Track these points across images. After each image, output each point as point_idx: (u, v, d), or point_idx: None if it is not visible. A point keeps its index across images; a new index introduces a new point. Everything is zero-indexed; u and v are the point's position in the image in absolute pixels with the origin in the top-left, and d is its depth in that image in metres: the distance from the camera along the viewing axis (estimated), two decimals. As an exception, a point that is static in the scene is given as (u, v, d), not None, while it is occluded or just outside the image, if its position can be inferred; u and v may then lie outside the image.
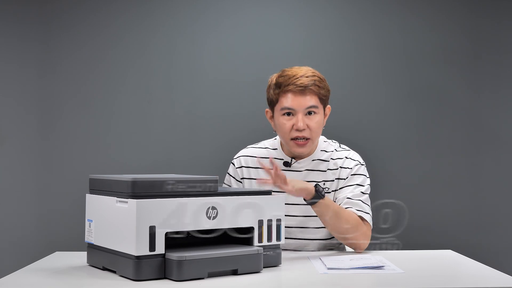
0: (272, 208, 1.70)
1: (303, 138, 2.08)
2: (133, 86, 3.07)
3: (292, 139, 2.09)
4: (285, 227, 2.12)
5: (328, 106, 2.18)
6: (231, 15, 3.09)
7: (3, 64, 3.05)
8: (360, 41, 3.09)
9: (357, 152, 2.23)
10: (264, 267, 1.66)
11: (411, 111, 3.10)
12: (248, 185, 2.20)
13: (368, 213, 2.07)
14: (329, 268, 1.67)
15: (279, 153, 2.20)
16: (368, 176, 2.17)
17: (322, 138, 2.23)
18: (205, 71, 3.07)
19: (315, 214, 2.15)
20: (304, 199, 1.94)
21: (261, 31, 3.08)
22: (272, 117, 2.18)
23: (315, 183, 1.98)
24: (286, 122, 2.09)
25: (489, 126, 3.11)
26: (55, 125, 3.05)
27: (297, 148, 2.10)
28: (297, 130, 2.07)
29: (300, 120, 2.06)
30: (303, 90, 2.06)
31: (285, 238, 2.13)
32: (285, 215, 2.11)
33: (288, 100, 2.08)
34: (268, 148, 2.23)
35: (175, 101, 3.06)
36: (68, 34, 3.06)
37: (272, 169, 1.84)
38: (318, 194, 1.92)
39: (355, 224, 1.99)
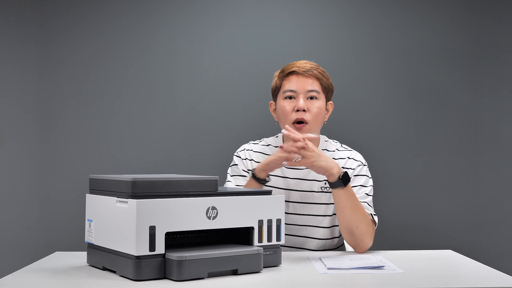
0: (272, 208, 1.70)
1: (302, 122, 2.09)
2: (133, 86, 3.07)
3: (293, 123, 2.10)
4: (285, 224, 2.13)
5: (331, 102, 2.20)
6: (231, 15, 3.09)
7: (4, 65, 3.05)
8: (360, 41, 3.09)
9: (358, 152, 2.24)
10: (264, 267, 1.66)
11: (411, 111, 3.10)
12: None
13: (375, 215, 2.08)
14: (329, 268, 1.67)
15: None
16: (370, 176, 2.17)
17: (323, 138, 2.24)
18: (205, 71, 3.07)
19: (315, 214, 2.15)
20: (330, 183, 1.95)
21: (261, 31, 3.08)
22: (275, 109, 2.20)
23: (345, 170, 1.99)
24: (287, 105, 2.12)
25: (489, 126, 3.11)
26: (55, 125, 3.05)
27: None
28: (298, 111, 2.09)
29: (301, 101, 2.08)
30: (305, 72, 2.11)
31: (286, 234, 2.14)
32: (286, 212, 2.13)
33: (290, 83, 2.13)
34: (270, 145, 2.24)
35: (175, 101, 3.06)
36: (68, 34, 3.06)
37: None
38: (338, 182, 1.93)
39: (368, 223, 1.99)
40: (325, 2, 3.11)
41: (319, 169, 1.93)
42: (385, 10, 3.11)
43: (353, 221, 1.96)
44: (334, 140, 2.26)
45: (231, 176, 2.20)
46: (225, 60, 3.07)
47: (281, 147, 1.96)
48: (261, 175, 2.03)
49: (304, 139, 1.93)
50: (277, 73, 2.22)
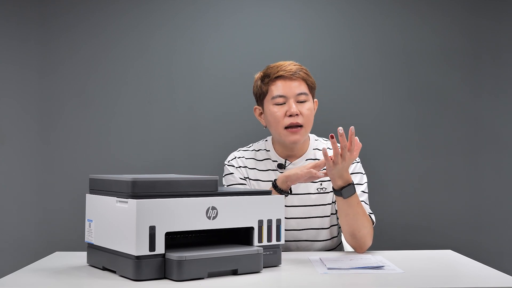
0: (272, 208, 1.70)
1: (296, 126, 2.07)
2: (133, 86, 3.07)
3: (285, 128, 2.07)
4: (285, 230, 2.12)
5: (316, 100, 2.18)
6: (231, 15, 3.09)
7: (4, 65, 3.05)
8: (360, 41, 3.09)
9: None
10: (264, 267, 1.66)
11: (411, 111, 3.10)
12: (256, 185, 2.17)
13: (372, 213, 2.07)
14: (329, 268, 1.67)
15: (272, 155, 2.18)
16: (364, 172, 2.16)
17: (313, 136, 2.22)
18: (205, 71, 3.07)
19: (314, 216, 2.14)
20: (333, 188, 1.94)
21: (261, 31, 3.08)
22: (261, 113, 2.17)
23: (351, 185, 1.92)
24: (278, 110, 2.08)
25: (489, 126, 3.11)
26: (55, 125, 3.05)
27: (290, 136, 2.07)
28: (290, 116, 2.06)
29: (293, 106, 2.06)
30: (292, 75, 2.08)
31: (286, 241, 2.14)
32: (285, 217, 2.12)
33: (279, 88, 2.09)
34: (261, 150, 2.20)
35: (175, 101, 3.06)
36: (68, 34, 3.06)
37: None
38: (338, 192, 1.91)
39: (369, 226, 1.99)
40: (325, 2, 3.11)
41: (333, 175, 1.90)
42: (385, 10, 3.11)
43: (355, 226, 1.95)
44: (324, 138, 2.25)
45: (228, 186, 2.16)
46: (225, 60, 3.07)
47: (334, 139, 1.85)
48: (283, 187, 1.99)
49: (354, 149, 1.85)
50: (258, 75, 2.17)
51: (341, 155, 1.84)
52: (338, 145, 1.86)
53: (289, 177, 1.97)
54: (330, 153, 1.99)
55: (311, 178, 1.95)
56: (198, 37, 3.07)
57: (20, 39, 3.05)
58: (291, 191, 2.03)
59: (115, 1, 3.08)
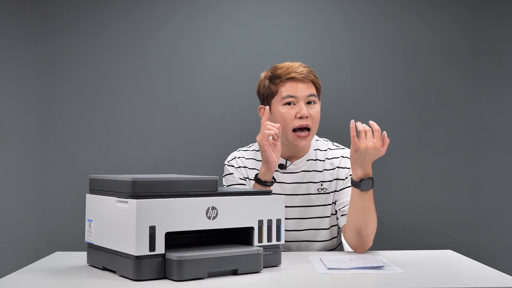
0: (272, 208, 1.70)
1: (306, 129, 2.07)
2: (133, 86, 3.07)
3: (294, 130, 2.07)
4: (286, 230, 2.12)
5: (319, 102, 2.18)
6: (231, 15, 3.09)
7: (4, 65, 3.05)
8: (360, 41, 3.10)
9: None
10: (264, 267, 1.66)
11: (410, 111, 3.10)
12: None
13: None
14: (329, 268, 1.67)
15: None
16: None
17: (314, 137, 2.22)
18: (205, 71, 3.07)
19: (314, 216, 2.14)
20: (352, 180, 1.95)
21: (261, 31, 3.08)
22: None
23: (370, 177, 1.94)
24: (288, 111, 2.08)
25: (489, 126, 3.11)
26: (55, 125, 3.05)
27: (299, 140, 2.07)
28: (301, 118, 2.07)
29: (304, 108, 2.07)
30: (304, 78, 2.09)
31: (286, 241, 2.13)
32: (286, 218, 2.12)
33: (290, 89, 2.09)
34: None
35: (175, 101, 3.07)
36: (68, 34, 3.06)
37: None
38: (356, 183, 1.92)
39: (375, 226, 1.99)
40: (325, 2, 3.11)
41: (355, 161, 1.90)
42: (385, 10, 3.11)
43: (363, 223, 1.95)
44: (324, 139, 2.25)
45: (228, 186, 2.16)
46: (225, 60, 3.07)
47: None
48: (267, 178, 2.01)
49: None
50: (264, 75, 2.17)
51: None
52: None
53: (265, 164, 2.00)
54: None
55: (266, 131, 1.98)
56: (198, 37, 3.07)
57: (20, 39, 3.05)
58: (275, 179, 2.06)
59: (115, 1, 3.08)
